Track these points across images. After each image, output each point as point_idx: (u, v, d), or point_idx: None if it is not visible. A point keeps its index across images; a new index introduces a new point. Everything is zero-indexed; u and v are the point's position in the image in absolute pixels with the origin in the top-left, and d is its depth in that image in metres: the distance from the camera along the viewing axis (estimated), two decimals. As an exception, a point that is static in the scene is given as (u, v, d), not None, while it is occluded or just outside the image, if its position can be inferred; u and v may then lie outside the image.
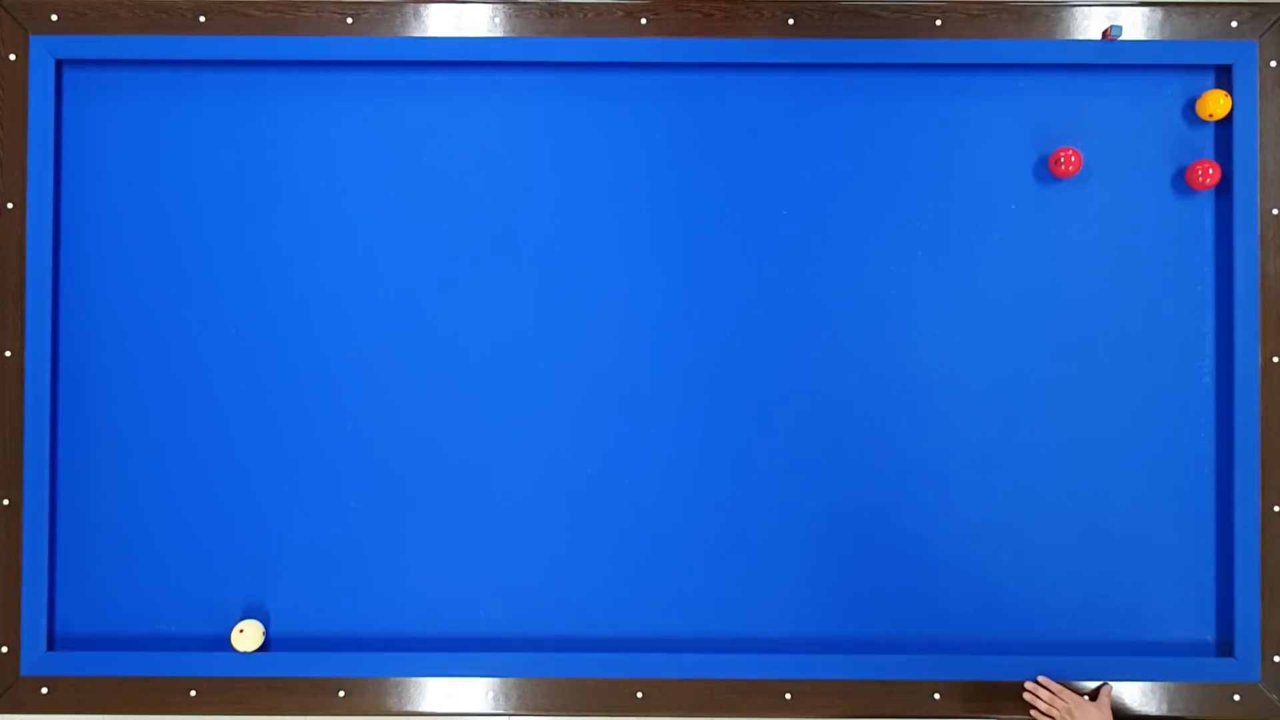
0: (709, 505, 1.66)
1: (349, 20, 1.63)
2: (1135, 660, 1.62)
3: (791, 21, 1.64)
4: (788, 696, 1.62)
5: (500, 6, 1.64)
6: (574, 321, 1.66)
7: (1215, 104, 1.61)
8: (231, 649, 1.60)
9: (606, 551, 1.66)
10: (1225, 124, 1.64)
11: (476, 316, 1.66)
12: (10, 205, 1.61)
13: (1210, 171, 1.61)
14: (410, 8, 1.64)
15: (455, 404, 1.66)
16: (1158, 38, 1.64)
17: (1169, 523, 1.66)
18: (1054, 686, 1.58)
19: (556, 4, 1.64)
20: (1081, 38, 1.64)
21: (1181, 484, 1.66)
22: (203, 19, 1.63)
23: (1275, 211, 1.63)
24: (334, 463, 1.66)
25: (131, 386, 1.65)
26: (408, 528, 1.66)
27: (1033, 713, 1.58)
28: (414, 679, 1.62)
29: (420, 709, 1.62)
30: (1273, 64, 1.63)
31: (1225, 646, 1.64)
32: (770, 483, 1.66)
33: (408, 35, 1.64)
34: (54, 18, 1.63)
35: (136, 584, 1.65)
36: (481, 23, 1.64)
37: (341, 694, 1.62)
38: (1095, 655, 1.63)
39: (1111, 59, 1.63)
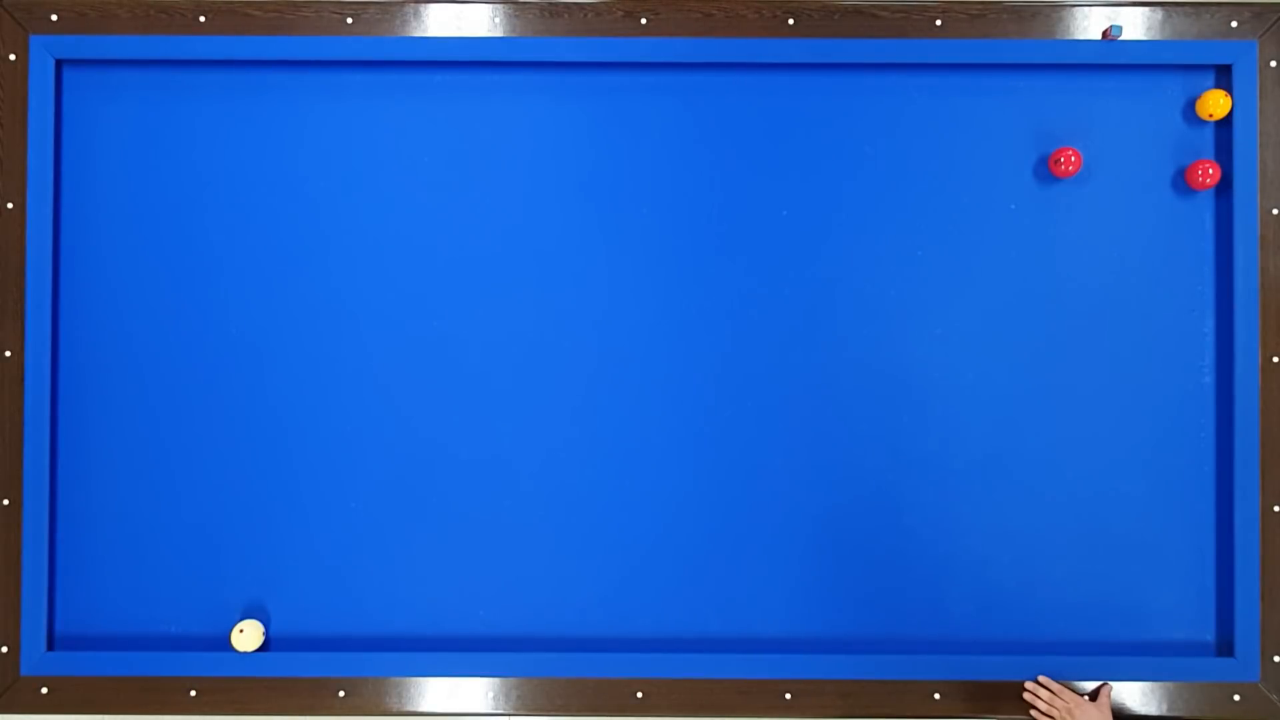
0: (708, 505, 1.66)
1: (349, 20, 1.63)
2: (1135, 660, 1.62)
3: (791, 21, 1.64)
4: (788, 696, 1.62)
5: (500, 6, 1.64)
6: (573, 321, 1.66)
7: (1215, 104, 1.61)
8: (231, 649, 1.60)
9: (607, 551, 1.66)
10: (1225, 124, 1.64)
11: (476, 317, 1.66)
12: (10, 205, 1.61)
13: (1210, 171, 1.61)
14: (410, 8, 1.64)
15: (456, 403, 1.66)
16: (1158, 38, 1.64)
17: (1169, 523, 1.66)
18: (1054, 686, 1.58)
19: (556, 4, 1.64)
20: (1081, 38, 1.64)
21: (1181, 484, 1.65)
22: (203, 19, 1.63)
23: (1275, 211, 1.63)
24: (334, 463, 1.66)
25: (131, 386, 1.65)
26: (408, 528, 1.66)
27: (1033, 713, 1.58)
28: (414, 679, 1.62)
29: (420, 709, 1.62)
30: (1273, 64, 1.63)
31: (1225, 646, 1.64)
32: (770, 483, 1.66)
33: (408, 35, 1.64)
34: (54, 18, 1.63)
35: (136, 584, 1.65)
36: (481, 23, 1.64)
37: (341, 694, 1.62)
38: (1095, 655, 1.63)
39: (1111, 59, 1.63)
